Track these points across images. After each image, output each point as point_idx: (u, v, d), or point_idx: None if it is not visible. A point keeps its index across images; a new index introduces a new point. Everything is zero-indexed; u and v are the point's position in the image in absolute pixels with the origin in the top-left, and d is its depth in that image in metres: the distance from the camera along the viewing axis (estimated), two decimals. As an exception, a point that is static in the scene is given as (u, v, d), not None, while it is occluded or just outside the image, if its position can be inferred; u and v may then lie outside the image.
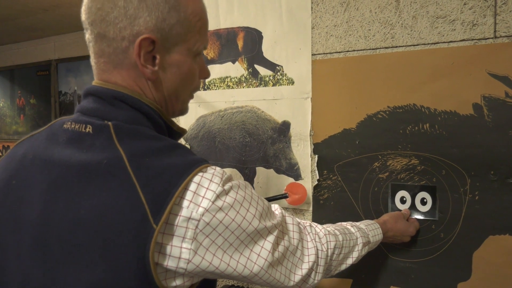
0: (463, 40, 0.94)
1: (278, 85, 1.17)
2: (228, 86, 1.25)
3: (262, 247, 0.61)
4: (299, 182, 1.13)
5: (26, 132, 5.48)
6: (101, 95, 0.63)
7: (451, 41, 0.96)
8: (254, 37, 1.19)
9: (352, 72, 1.07)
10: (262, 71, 1.19)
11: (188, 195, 0.56)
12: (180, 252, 0.55)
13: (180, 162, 0.58)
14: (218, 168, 0.61)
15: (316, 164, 1.12)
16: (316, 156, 1.12)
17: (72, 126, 0.61)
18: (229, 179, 0.61)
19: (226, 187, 0.59)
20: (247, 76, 1.21)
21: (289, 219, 0.70)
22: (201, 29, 0.66)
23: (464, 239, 0.97)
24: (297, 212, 1.17)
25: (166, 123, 0.68)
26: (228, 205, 0.58)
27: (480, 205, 0.95)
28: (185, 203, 0.55)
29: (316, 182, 1.13)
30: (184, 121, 1.33)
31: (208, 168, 0.60)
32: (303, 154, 1.15)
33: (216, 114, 1.28)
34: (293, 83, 1.15)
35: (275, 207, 0.72)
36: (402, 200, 1.03)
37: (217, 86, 1.27)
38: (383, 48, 1.03)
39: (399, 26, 1.00)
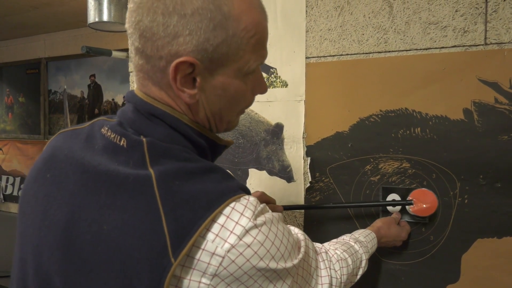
0: (455, 46, 0.96)
1: (272, 87, 1.17)
2: (222, 88, 1.25)
3: (284, 281, 0.57)
4: (427, 189, 1.00)
5: (14, 131, 5.42)
6: (139, 108, 0.59)
7: (442, 47, 0.97)
8: (248, 39, 1.20)
9: (346, 75, 1.08)
10: (256, 73, 1.19)
11: (215, 228, 0.51)
12: (198, 287, 0.51)
13: (212, 189, 0.53)
14: (252, 199, 0.55)
15: (308, 167, 1.13)
16: (309, 158, 1.13)
17: (109, 134, 0.58)
18: (262, 211, 0.56)
19: (258, 221, 0.53)
20: (241, 78, 1.22)
21: (309, 246, 0.66)
22: (256, 45, 0.57)
23: (453, 242, 0.99)
24: (289, 215, 1.18)
25: (210, 139, 0.63)
26: (257, 242, 0.53)
27: (469, 209, 0.97)
28: (211, 236, 0.51)
29: (309, 184, 1.14)
30: (177, 122, 1.33)
31: (242, 198, 0.54)
32: (296, 156, 1.16)
33: (209, 115, 1.28)
34: (287, 85, 1.15)
35: (296, 232, 0.66)
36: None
37: (211, 87, 1.27)
38: (376, 52, 1.04)
39: (392, 31, 1.02)
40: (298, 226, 1.16)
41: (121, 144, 0.56)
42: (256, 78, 0.62)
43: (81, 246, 0.52)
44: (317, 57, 1.11)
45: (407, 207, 1.01)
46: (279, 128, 1.17)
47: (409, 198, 1.00)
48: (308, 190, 1.14)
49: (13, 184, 5.57)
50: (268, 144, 1.19)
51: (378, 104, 1.05)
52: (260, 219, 0.54)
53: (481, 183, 0.95)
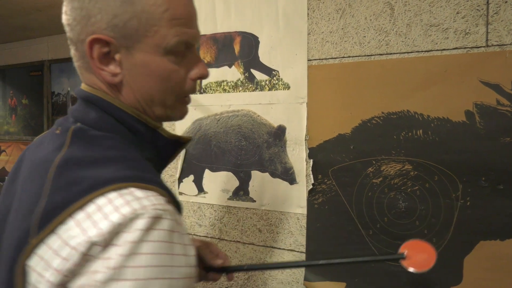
0: (456, 48, 0.96)
1: (274, 90, 1.18)
2: (224, 90, 1.26)
3: None
4: (420, 240, 0.84)
5: (17, 133, 5.44)
6: (78, 96, 0.62)
7: (444, 49, 0.97)
8: (250, 41, 1.20)
9: (348, 78, 1.08)
10: (258, 75, 1.20)
11: (80, 216, 0.47)
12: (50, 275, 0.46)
13: (99, 176, 0.50)
14: (145, 194, 0.49)
15: (311, 169, 1.13)
16: (311, 160, 1.14)
17: (54, 127, 0.63)
18: (157, 216, 0.47)
19: (138, 225, 0.45)
20: (243, 80, 1.22)
21: None
22: (172, 20, 0.57)
23: (456, 244, 0.99)
24: (291, 217, 1.18)
25: (150, 127, 0.61)
26: (123, 251, 0.44)
27: (472, 211, 0.97)
28: (71, 224, 0.47)
29: (311, 187, 1.14)
30: (180, 124, 1.34)
31: (128, 189, 0.49)
32: (298, 158, 1.16)
33: (212, 117, 1.28)
34: (289, 88, 1.16)
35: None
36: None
37: (213, 89, 1.28)
38: (377, 54, 1.04)
39: (394, 34, 1.02)
40: (300, 228, 1.17)
41: (57, 132, 0.60)
42: (191, 60, 0.62)
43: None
44: (319, 59, 1.12)
45: (400, 261, 0.83)
46: (281, 130, 1.18)
47: (400, 251, 0.83)
48: (310, 192, 1.15)
49: (17, 186, 5.60)
50: (270, 146, 1.20)
51: (380, 106, 1.05)
52: (141, 223, 0.46)
53: (483, 185, 0.95)
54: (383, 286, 1.07)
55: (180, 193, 1.36)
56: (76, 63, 0.62)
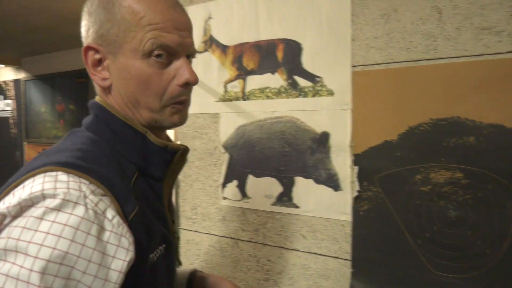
0: (510, 52, 0.92)
1: (318, 96, 1.18)
2: (268, 97, 1.27)
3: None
4: None
5: (65, 137, 5.71)
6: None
7: (497, 53, 0.94)
8: (293, 48, 1.21)
9: (393, 83, 1.07)
10: (302, 82, 1.20)
11: (9, 194, 0.51)
12: None
13: (41, 161, 0.54)
14: (64, 177, 0.50)
15: (356, 175, 1.12)
16: (356, 167, 1.12)
17: None
18: (69, 200, 0.47)
19: (46, 203, 0.47)
20: (287, 87, 1.23)
21: None
22: (147, 26, 0.62)
23: None
24: (336, 223, 1.17)
25: (139, 132, 0.65)
26: (24, 223, 0.46)
27: (529, 221, 0.92)
28: (2, 201, 0.51)
29: (356, 194, 1.13)
30: (224, 131, 1.37)
31: (52, 172, 0.51)
32: (342, 165, 1.15)
33: (255, 124, 1.30)
34: (333, 94, 1.15)
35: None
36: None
37: (257, 96, 1.29)
38: (425, 59, 1.02)
39: (442, 38, 1.00)
40: (345, 235, 1.16)
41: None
42: (178, 65, 0.65)
43: None
44: (364, 65, 1.10)
45: None
46: (325, 136, 1.18)
47: None
48: (355, 199, 1.14)
49: (65, 187, 5.88)
50: (314, 153, 1.20)
51: (428, 112, 1.03)
52: (51, 203, 0.47)
53: (541, 194, 0.91)
54: (433, 297, 1.04)
55: (224, 198, 1.39)
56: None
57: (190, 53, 0.68)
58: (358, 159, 1.13)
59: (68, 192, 0.48)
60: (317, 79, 1.18)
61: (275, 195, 1.28)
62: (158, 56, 0.63)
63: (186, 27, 0.67)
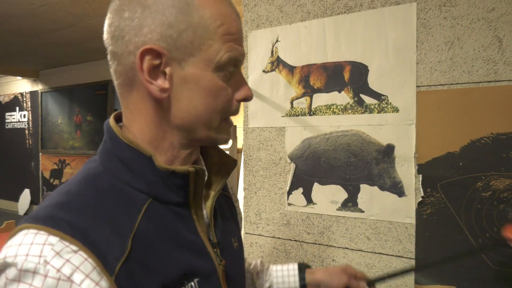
0: None
1: (383, 113, 1.33)
2: (334, 113, 1.42)
3: None
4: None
5: (82, 147, 5.84)
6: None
7: (552, 77, 1.09)
8: (360, 70, 1.36)
9: (456, 102, 1.22)
10: (368, 100, 1.35)
11: None
12: None
13: (30, 214, 0.52)
14: (26, 243, 0.46)
15: (420, 183, 1.27)
16: (420, 175, 1.27)
17: None
18: (26, 270, 0.44)
19: (7, 273, 0.45)
20: (353, 104, 1.38)
21: None
22: (225, 36, 0.56)
23: None
24: (400, 226, 1.31)
25: (145, 156, 0.56)
26: None
27: None
28: None
29: (420, 199, 1.27)
30: (290, 143, 1.51)
31: (28, 231, 0.48)
32: (407, 173, 1.30)
33: (321, 137, 1.44)
34: (398, 111, 1.30)
35: None
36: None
37: (323, 112, 1.44)
38: (486, 82, 1.17)
39: (502, 63, 1.15)
40: (409, 236, 1.30)
41: None
42: (237, 80, 0.60)
43: None
44: (428, 86, 1.26)
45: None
46: (390, 148, 1.32)
47: (505, 236, 1.02)
48: (419, 204, 1.28)
49: (80, 197, 5.98)
50: (379, 163, 1.34)
51: (488, 127, 1.18)
52: (10, 273, 0.45)
53: None
54: (494, 290, 1.18)
55: (289, 204, 1.52)
56: (116, 81, 0.59)
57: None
58: (422, 168, 1.27)
59: (26, 260, 0.44)
60: (383, 97, 1.33)
61: (340, 201, 1.42)
62: (227, 69, 0.57)
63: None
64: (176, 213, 0.58)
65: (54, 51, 5.16)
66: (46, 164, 6.34)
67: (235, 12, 0.59)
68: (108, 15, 0.57)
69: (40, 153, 6.41)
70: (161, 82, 0.55)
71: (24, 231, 0.48)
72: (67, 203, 0.51)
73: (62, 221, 0.48)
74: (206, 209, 0.64)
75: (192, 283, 0.56)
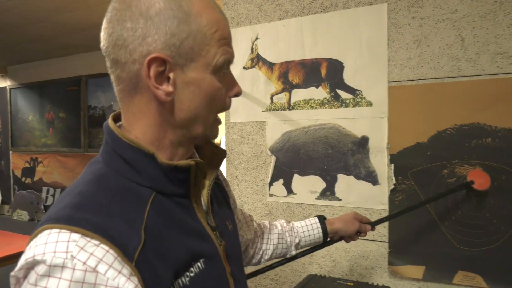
0: (519, 72, 1.19)
1: (358, 107, 1.42)
2: (312, 107, 1.50)
3: None
4: (479, 169, 1.26)
5: (54, 145, 5.72)
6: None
7: (508, 73, 1.21)
8: (336, 66, 1.44)
9: (424, 96, 1.32)
10: (343, 94, 1.44)
11: (28, 247, 0.52)
12: None
13: (47, 214, 0.55)
14: (56, 236, 0.50)
15: (392, 171, 1.37)
16: (392, 164, 1.37)
17: None
18: (56, 265, 0.48)
19: (38, 269, 0.48)
20: (329, 99, 1.46)
21: None
22: (220, 40, 0.61)
23: (521, 230, 1.21)
24: (374, 212, 1.41)
25: (147, 154, 0.60)
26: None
27: (535, 203, 1.19)
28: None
29: (393, 187, 1.37)
30: (270, 136, 1.58)
31: (53, 231, 0.51)
32: (380, 163, 1.39)
33: (300, 130, 1.52)
34: (371, 105, 1.40)
35: None
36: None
37: (302, 106, 1.52)
38: (450, 77, 1.28)
39: (465, 60, 1.26)
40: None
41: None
42: (229, 79, 0.66)
43: None
44: (398, 81, 1.35)
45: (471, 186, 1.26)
46: (364, 140, 1.41)
47: (468, 179, 1.27)
48: (392, 191, 1.38)
49: (53, 195, 5.87)
50: (355, 154, 1.43)
51: (453, 119, 1.28)
52: (41, 269, 0.48)
53: (544, 182, 1.18)
54: (458, 268, 1.29)
55: (271, 195, 1.60)
56: (118, 87, 0.63)
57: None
58: (393, 158, 1.37)
59: (54, 256, 0.48)
60: (357, 92, 1.42)
61: (319, 190, 1.50)
62: (222, 70, 0.63)
63: None
64: (179, 204, 0.63)
65: (23, 46, 5.02)
66: (17, 162, 6.17)
67: (225, 17, 0.64)
68: (107, 25, 0.60)
69: (11, 151, 6.24)
70: (166, 87, 0.59)
71: (47, 231, 0.51)
72: (82, 204, 0.55)
73: (81, 220, 0.52)
74: (203, 198, 0.70)
75: (199, 263, 0.62)
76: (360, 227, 1.11)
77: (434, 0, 1.28)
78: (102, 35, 0.61)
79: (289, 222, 1.11)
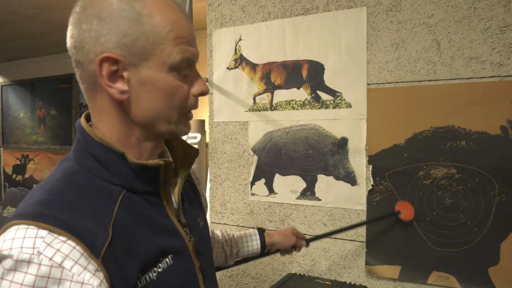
0: (492, 76, 1.22)
1: (338, 108, 1.44)
2: (293, 108, 1.52)
3: None
4: (405, 201, 1.36)
5: (46, 142, 5.71)
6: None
7: (482, 77, 1.23)
8: (317, 68, 1.46)
9: (401, 99, 1.34)
10: (324, 96, 1.46)
11: None
12: None
13: (16, 211, 0.57)
14: (27, 240, 0.51)
15: (370, 173, 1.39)
16: (371, 166, 1.39)
17: None
18: (22, 260, 0.49)
19: (4, 264, 0.49)
20: (310, 100, 1.48)
21: None
22: (176, 39, 0.62)
23: (493, 232, 1.24)
24: (353, 212, 1.43)
25: (117, 152, 0.62)
26: None
27: (507, 205, 1.22)
28: None
29: (371, 187, 1.39)
30: (253, 136, 1.60)
31: (20, 227, 0.52)
32: (359, 164, 1.42)
33: (282, 130, 1.54)
34: (350, 106, 1.42)
35: None
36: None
37: (283, 107, 1.53)
38: (426, 80, 1.30)
39: (440, 64, 1.28)
40: (360, 221, 1.42)
41: None
42: (193, 77, 0.66)
43: None
44: (377, 83, 1.37)
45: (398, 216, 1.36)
46: (344, 141, 1.43)
47: (396, 209, 1.37)
48: (369, 192, 1.40)
49: (44, 193, 5.84)
50: (334, 154, 1.45)
51: (429, 122, 1.31)
52: (7, 264, 0.49)
53: (515, 184, 1.20)
54: (433, 268, 1.32)
55: (253, 194, 1.61)
56: (82, 85, 0.65)
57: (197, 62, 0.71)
58: (372, 159, 1.40)
59: (21, 252, 0.49)
60: (337, 94, 1.44)
61: (299, 190, 1.52)
62: (182, 69, 0.63)
63: (195, 38, 0.69)
64: (149, 201, 0.65)
65: (14, 44, 5.01)
66: (7, 159, 6.15)
67: (185, 17, 0.65)
68: (69, 27, 0.63)
69: (1, 148, 6.22)
70: (121, 85, 0.61)
71: (15, 227, 0.53)
72: (51, 201, 0.56)
73: (50, 216, 0.53)
74: (174, 195, 0.71)
75: (167, 259, 0.64)
76: (296, 242, 1.19)
77: (412, 5, 1.31)
78: (67, 37, 0.63)
79: (229, 233, 1.14)
